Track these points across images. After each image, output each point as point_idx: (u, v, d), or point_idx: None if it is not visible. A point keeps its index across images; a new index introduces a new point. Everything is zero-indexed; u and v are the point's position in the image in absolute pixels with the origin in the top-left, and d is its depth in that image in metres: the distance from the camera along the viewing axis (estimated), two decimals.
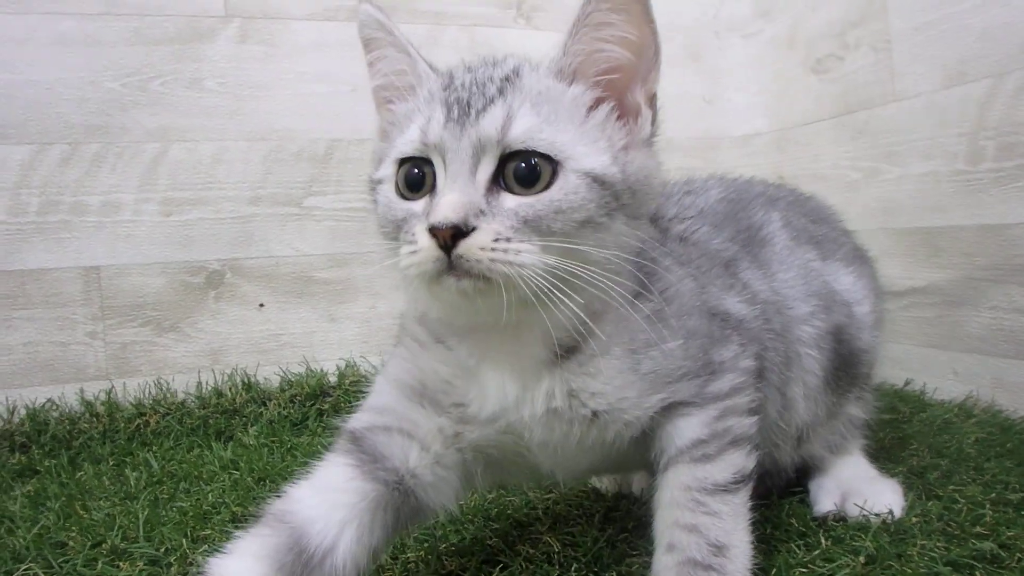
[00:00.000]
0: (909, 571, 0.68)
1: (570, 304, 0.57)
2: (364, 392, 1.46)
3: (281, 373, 1.45)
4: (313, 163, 1.51)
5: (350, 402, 1.40)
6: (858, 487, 0.84)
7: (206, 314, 1.45)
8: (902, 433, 1.05)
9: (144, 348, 1.42)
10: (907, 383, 1.35)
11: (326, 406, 1.40)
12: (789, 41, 1.65)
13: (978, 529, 0.75)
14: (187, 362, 1.44)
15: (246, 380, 1.42)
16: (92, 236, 1.39)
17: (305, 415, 1.37)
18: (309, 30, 1.50)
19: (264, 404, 1.38)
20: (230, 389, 1.39)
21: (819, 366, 0.81)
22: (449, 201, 0.56)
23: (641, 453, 0.70)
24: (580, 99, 0.62)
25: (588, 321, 0.60)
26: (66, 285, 1.37)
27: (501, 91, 0.61)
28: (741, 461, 0.66)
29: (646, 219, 0.66)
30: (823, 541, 0.75)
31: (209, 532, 0.87)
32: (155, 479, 1.09)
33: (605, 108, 0.63)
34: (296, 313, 1.51)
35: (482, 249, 0.55)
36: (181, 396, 1.39)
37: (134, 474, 1.10)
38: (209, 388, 1.40)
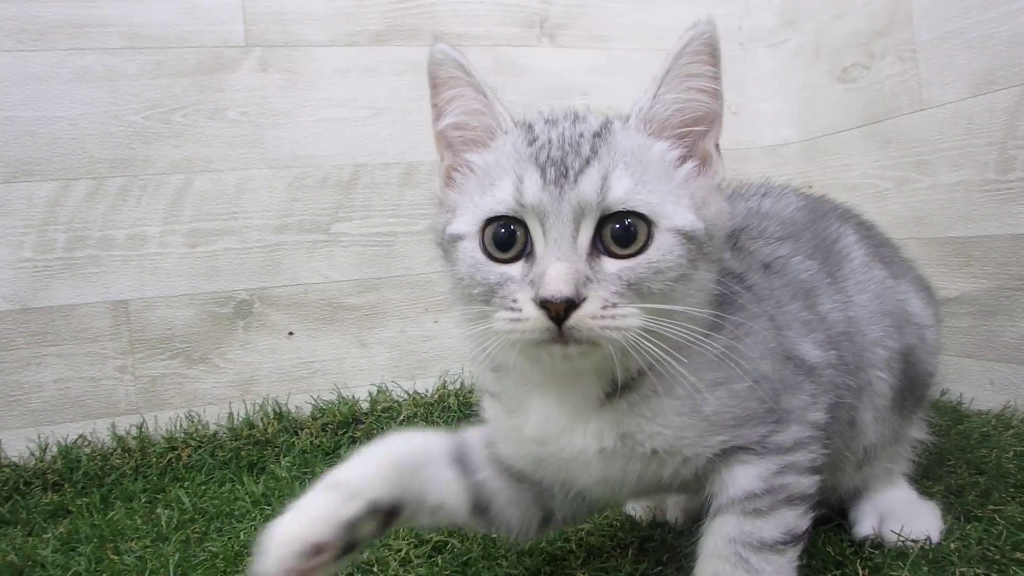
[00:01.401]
0: None
1: (655, 351, 0.56)
2: (395, 419, 1.43)
3: (312, 401, 1.41)
4: (338, 189, 1.48)
5: (383, 428, 1.36)
6: (896, 510, 0.80)
7: (235, 344, 1.42)
8: (940, 448, 1.01)
9: (174, 380, 1.39)
10: (943, 394, 1.30)
11: (359, 433, 1.35)
12: (815, 50, 1.62)
13: (1018, 555, 0.71)
14: (218, 393, 1.41)
15: (277, 410, 1.39)
16: (119, 270, 1.37)
17: (338, 443, 1.33)
18: (331, 56, 1.48)
19: (296, 434, 1.34)
20: (262, 420, 1.36)
21: (889, 387, 0.77)
22: (559, 272, 0.55)
23: (690, 481, 0.66)
24: (667, 155, 0.62)
25: (664, 358, 0.57)
26: (95, 320, 1.35)
27: (594, 150, 0.60)
28: (794, 521, 0.63)
29: (719, 256, 0.65)
30: (860, 571, 0.72)
31: None
32: (187, 517, 1.05)
33: (689, 163, 0.63)
34: (326, 340, 1.47)
35: (592, 318, 0.55)
36: (213, 428, 1.36)
37: (166, 512, 1.06)
38: (240, 419, 1.37)
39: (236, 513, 1.04)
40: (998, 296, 1.22)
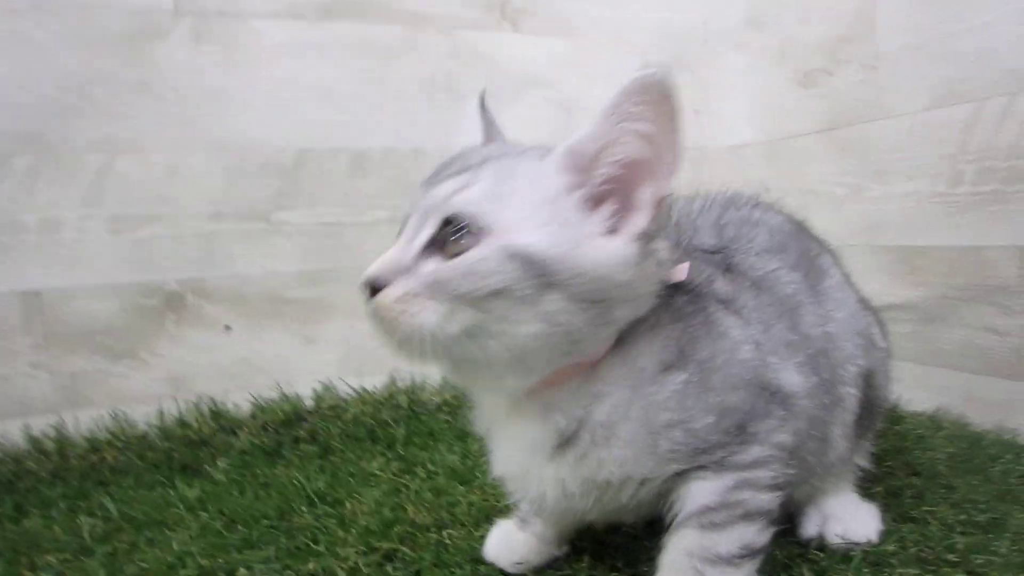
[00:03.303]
0: None
1: (523, 377, 0.61)
2: (343, 418, 1.39)
3: (252, 400, 1.36)
4: (281, 175, 1.43)
5: (328, 427, 1.32)
6: (839, 512, 0.83)
7: (166, 339, 1.35)
8: (879, 448, 1.05)
9: (97, 377, 1.31)
10: None
11: (302, 433, 1.31)
12: (779, 53, 1.65)
13: (951, 556, 0.75)
14: (147, 391, 1.34)
15: (213, 408, 1.33)
16: (30, 258, 1.29)
17: (280, 443, 1.28)
18: (273, 30, 1.42)
19: (234, 433, 1.29)
20: (196, 419, 1.30)
21: (857, 403, 0.80)
22: (380, 259, 0.60)
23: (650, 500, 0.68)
24: (573, 191, 0.60)
25: (496, 376, 0.62)
26: (3, 312, 1.27)
27: (482, 163, 0.61)
28: (752, 536, 0.64)
29: (629, 301, 0.62)
30: (806, 573, 0.74)
31: None
32: (113, 526, 0.99)
33: (607, 206, 0.60)
34: (267, 335, 1.42)
35: (390, 303, 0.58)
36: (141, 428, 1.30)
37: (89, 521, 1.00)
38: (172, 418, 1.30)
39: (169, 521, 0.99)
40: (939, 304, 1.29)
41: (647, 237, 0.60)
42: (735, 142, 1.75)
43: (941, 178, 1.28)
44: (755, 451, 0.65)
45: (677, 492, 0.66)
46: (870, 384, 0.81)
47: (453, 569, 0.79)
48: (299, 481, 1.10)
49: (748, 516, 0.64)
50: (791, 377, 0.70)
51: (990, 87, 1.19)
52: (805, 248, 0.83)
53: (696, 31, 1.76)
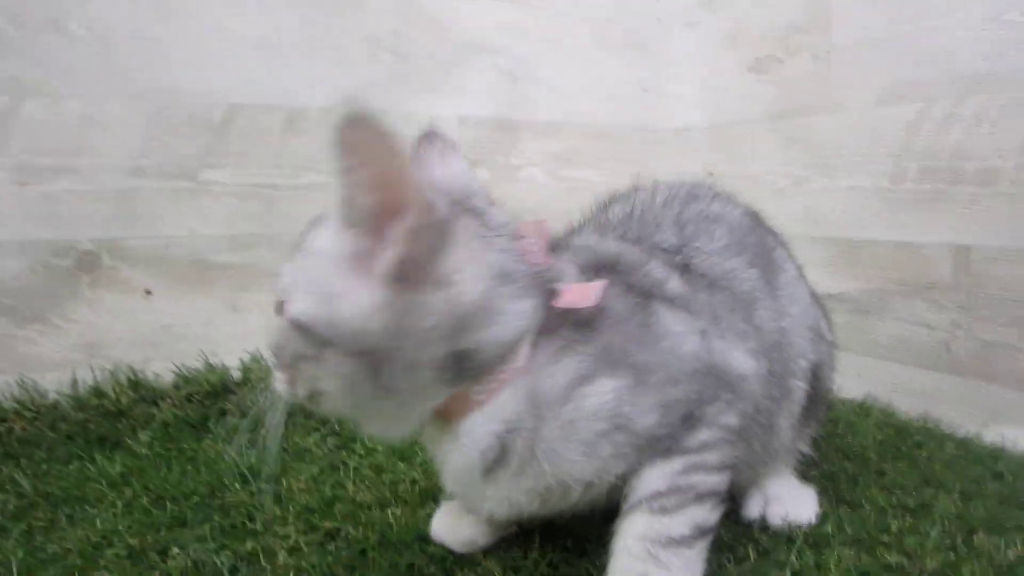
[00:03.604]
0: None
1: (394, 426, 0.66)
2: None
3: (175, 369, 1.29)
4: (209, 130, 1.35)
5: (258, 400, 1.27)
6: (780, 495, 0.87)
7: (79, 302, 1.27)
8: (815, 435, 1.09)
9: (2, 342, 1.21)
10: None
11: (230, 405, 1.25)
12: (731, 36, 1.66)
13: (885, 538, 0.80)
14: (58, 357, 1.25)
15: (132, 377, 1.26)
16: None
17: (205, 416, 1.23)
18: None
19: (156, 404, 1.22)
20: (113, 388, 1.23)
21: (805, 396, 0.83)
22: None
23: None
24: (339, 246, 0.58)
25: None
26: None
27: (308, 231, 0.63)
28: (703, 516, 0.66)
29: (428, 343, 0.59)
30: (751, 553, 0.77)
31: (103, 574, 0.74)
32: (27, 502, 0.93)
33: (355, 249, 0.58)
34: (191, 301, 1.35)
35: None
36: (52, 397, 1.21)
37: (0, 497, 0.93)
38: (87, 387, 1.22)
39: (89, 497, 0.93)
40: (874, 297, 1.35)
41: (405, 277, 0.56)
42: (682, 124, 1.76)
43: (884, 174, 1.32)
44: (703, 434, 0.67)
45: (628, 480, 0.67)
46: (817, 376, 0.85)
47: (400, 549, 0.78)
48: (230, 456, 1.07)
49: (699, 498, 0.66)
50: (742, 360, 0.72)
51: (939, 88, 1.23)
52: (762, 243, 0.85)
53: (649, 7, 1.76)
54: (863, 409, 1.28)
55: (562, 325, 0.63)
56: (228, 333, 1.37)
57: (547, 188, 1.65)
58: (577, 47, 1.68)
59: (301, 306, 0.59)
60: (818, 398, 0.87)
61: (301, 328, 0.58)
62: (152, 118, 1.30)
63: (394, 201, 0.55)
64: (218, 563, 0.77)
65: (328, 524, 0.84)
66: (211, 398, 1.27)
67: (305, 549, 0.80)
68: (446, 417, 0.64)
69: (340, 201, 0.57)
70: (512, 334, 0.61)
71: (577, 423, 0.63)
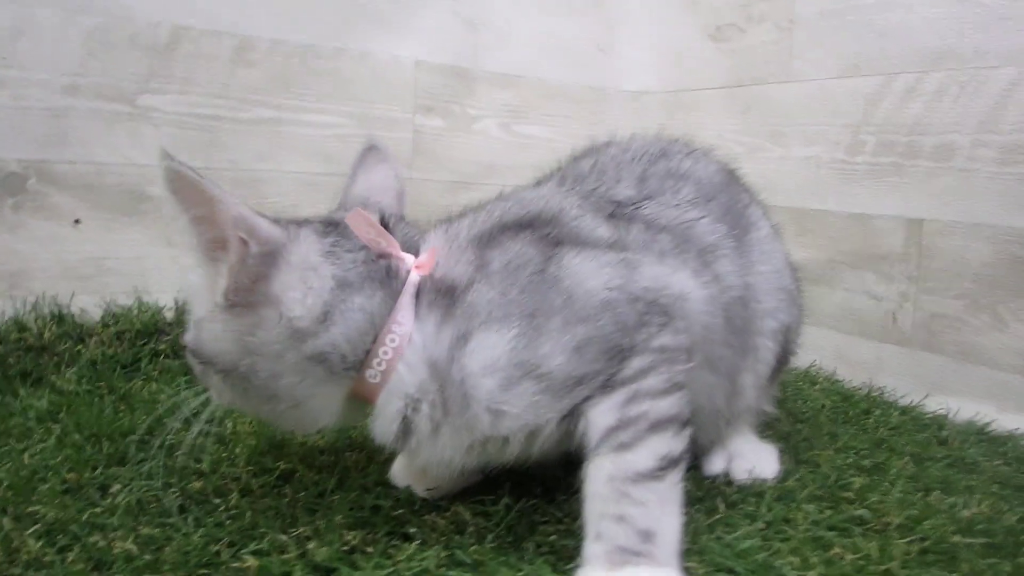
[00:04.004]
0: (801, 535, 0.73)
1: (303, 424, 0.71)
2: None
3: (104, 305, 1.22)
4: (152, 53, 1.26)
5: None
6: (743, 451, 0.90)
7: (1, 228, 1.17)
8: None
9: None
10: None
11: (163, 346, 1.20)
12: (693, 2, 1.67)
13: (847, 494, 0.83)
14: None
15: (56, 311, 1.18)
16: None
17: (137, 356, 1.18)
18: None
19: (82, 341, 1.16)
20: (36, 321, 1.15)
21: (773, 356, 0.85)
22: None
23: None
24: (194, 275, 0.67)
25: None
26: None
27: None
28: (666, 446, 0.65)
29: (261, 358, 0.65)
30: (719, 506, 0.79)
31: (40, 508, 0.70)
32: None
33: (204, 281, 0.67)
34: (123, 234, 1.27)
35: None
36: None
37: None
38: (7, 319, 1.14)
39: (15, 432, 0.88)
40: (825, 267, 1.39)
41: (238, 302, 0.64)
42: (636, 87, 1.77)
43: (841, 146, 1.36)
44: (635, 362, 0.67)
45: (579, 423, 0.67)
46: (787, 338, 0.87)
47: (359, 492, 0.77)
48: (167, 395, 1.02)
49: (656, 426, 0.65)
50: (684, 281, 0.73)
51: (900, 63, 1.26)
52: (734, 199, 0.86)
53: None
54: (808, 377, 1.33)
55: (440, 294, 0.67)
56: (159, 268, 1.30)
57: (500, 142, 1.64)
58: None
59: (187, 334, 0.69)
60: (785, 360, 0.90)
61: (189, 352, 0.69)
62: (91, 34, 1.21)
63: (218, 237, 0.64)
64: (165, 502, 0.74)
65: (282, 466, 0.82)
66: (143, 337, 1.21)
67: (258, 491, 0.77)
68: (367, 400, 0.68)
69: (190, 240, 0.65)
70: (360, 326, 0.65)
71: (468, 382, 0.65)
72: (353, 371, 0.66)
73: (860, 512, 0.78)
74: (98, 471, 0.80)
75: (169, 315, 1.26)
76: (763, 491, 0.83)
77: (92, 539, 0.66)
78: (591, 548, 0.62)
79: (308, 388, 0.66)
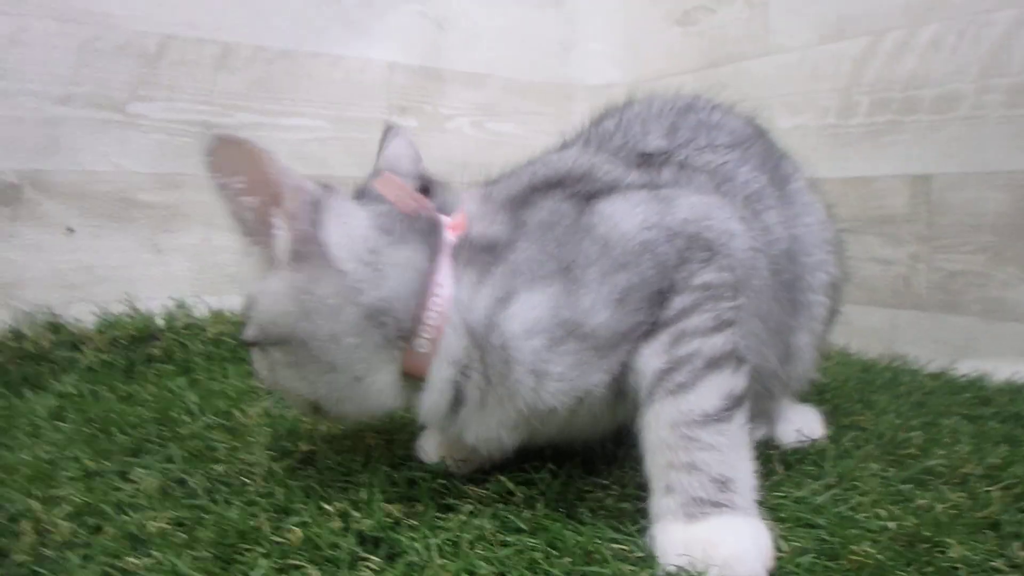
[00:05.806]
0: (877, 490, 0.71)
1: (361, 410, 0.72)
2: (199, 336, 1.31)
3: (97, 313, 1.24)
4: (141, 61, 1.30)
5: (185, 346, 1.25)
6: (787, 415, 0.88)
7: None
8: None
9: None
10: None
11: (156, 351, 1.22)
12: None
13: (910, 450, 0.81)
14: None
15: (52, 320, 1.19)
16: None
17: (132, 361, 1.19)
18: None
19: (78, 348, 1.17)
20: (32, 329, 1.16)
21: (827, 312, 0.83)
22: None
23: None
24: (247, 266, 0.69)
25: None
26: None
27: None
28: (727, 383, 0.61)
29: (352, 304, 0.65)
30: (777, 468, 0.77)
31: (65, 491, 0.72)
32: None
33: (256, 256, 0.68)
34: (112, 241, 1.29)
35: None
36: None
37: None
38: (5, 328, 1.15)
39: (25, 428, 0.89)
40: None
41: (300, 254, 0.64)
42: (600, 82, 1.79)
43: (831, 111, 1.32)
44: (677, 302, 0.63)
45: (625, 386, 0.64)
46: (836, 293, 0.85)
47: (390, 469, 0.75)
48: (172, 391, 1.05)
49: (712, 364, 0.61)
50: (728, 217, 0.71)
51: (888, 20, 1.25)
52: (768, 151, 0.85)
53: None
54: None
55: (476, 254, 0.66)
56: (147, 276, 1.32)
57: (473, 140, 1.70)
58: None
59: (246, 329, 0.69)
60: (833, 317, 0.87)
61: (248, 345, 0.70)
62: (83, 44, 1.24)
63: (270, 193, 0.64)
64: (192, 484, 0.76)
65: (304, 447, 0.83)
66: (136, 343, 1.23)
67: (281, 473, 0.77)
68: (417, 376, 0.67)
69: (232, 218, 0.66)
70: (410, 282, 0.65)
71: (510, 347, 0.63)
72: (403, 342, 0.65)
73: (931, 464, 0.76)
74: (119, 458, 0.82)
75: (159, 322, 1.28)
76: (823, 450, 0.80)
77: (123, 519, 0.67)
78: (662, 502, 0.59)
79: (366, 356, 0.65)
